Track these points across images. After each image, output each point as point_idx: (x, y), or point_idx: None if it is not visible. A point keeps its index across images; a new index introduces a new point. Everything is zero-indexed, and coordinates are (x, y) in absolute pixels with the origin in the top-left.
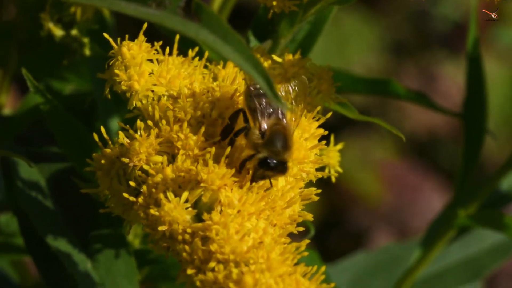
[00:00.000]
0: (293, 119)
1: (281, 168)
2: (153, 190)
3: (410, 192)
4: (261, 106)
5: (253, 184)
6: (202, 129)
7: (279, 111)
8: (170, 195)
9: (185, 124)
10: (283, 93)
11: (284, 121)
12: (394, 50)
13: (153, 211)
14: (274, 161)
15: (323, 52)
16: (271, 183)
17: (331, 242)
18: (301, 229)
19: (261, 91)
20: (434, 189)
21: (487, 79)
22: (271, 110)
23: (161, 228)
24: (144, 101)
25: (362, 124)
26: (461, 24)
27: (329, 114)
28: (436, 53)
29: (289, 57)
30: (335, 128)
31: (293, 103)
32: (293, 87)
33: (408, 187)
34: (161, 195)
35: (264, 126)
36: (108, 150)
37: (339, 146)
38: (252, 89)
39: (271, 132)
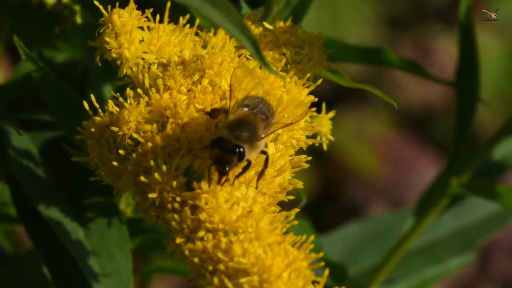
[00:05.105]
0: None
1: (233, 149)
2: (142, 158)
3: (405, 165)
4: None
5: None
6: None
7: (261, 111)
8: (160, 161)
9: (175, 92)
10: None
11: (260, 116)
12: (389, 23)
13: (143, 178)
14: (226, 140)
15: (317, 25)
16: (226, 168)
17: (326, 216)
18: (292, 197)
19: (253, 101)
20: (429, 163)
21: (482, 52)
22: (251, 107)
23: (151, 195)
24: (134, 69)
25: (357, 98)
26: None
27: (320, 81)
28: (432, 27)
29: (280, 24)
30: (329, 102)
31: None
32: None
33: (404, 160)
34: (152, 162)
35: (230, 113)
36: (98, 119)
37: (331, 114)
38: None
39: (236, 117)
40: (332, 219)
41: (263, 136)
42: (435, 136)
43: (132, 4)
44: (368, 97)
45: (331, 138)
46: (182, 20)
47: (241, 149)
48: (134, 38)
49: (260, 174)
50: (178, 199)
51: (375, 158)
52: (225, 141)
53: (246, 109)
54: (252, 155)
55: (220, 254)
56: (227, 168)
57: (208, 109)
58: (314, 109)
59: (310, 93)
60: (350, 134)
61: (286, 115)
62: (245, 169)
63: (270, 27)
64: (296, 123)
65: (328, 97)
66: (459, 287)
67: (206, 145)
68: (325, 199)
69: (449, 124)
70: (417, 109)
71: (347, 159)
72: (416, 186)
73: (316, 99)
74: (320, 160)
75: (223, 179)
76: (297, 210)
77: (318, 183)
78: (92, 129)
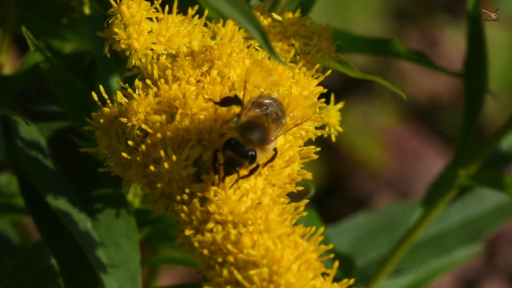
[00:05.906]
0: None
1: (245, 153)
2: (152, 149)
3: (412, 157)
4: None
5: None
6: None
7: (273, 113)
8: (170, 151)
9: (183, 83)
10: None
11: (272, 117)
12: (396, 15)
13: (152, 167)
14: (240, 144)
15: (324, 17)
16: (235, 169)
17: (333, 207)
18: (300, 188)
19: (266, 100)
20: (436, 154)
21: (489, 43)
22: (264, 107)
23: (160, 185)
24: (143, 60)
25: (363, 89)
26: None
27: (329, 72)
28: (438, 18)
29: (289, 15)
30: (336, 93)
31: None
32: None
33: (410, 152)
34: (162, 152)
35: (242, 114)
36: (106, 110)
37: (340, 105)
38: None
39: (247, 119)
40: (338, 211)
41: (273, 138)
42: (441, 128)
43: None
44: (375, 88)
45: (340, 129)
46: (191, 11)
47: (253, 153)
48: (143, 29)
49: (265, 164)
50: (187, 190)
51: (382, 149)
52: (239, 144)
53: (258, 109)
54: (262, 157)
55: (229, 246)
56: (237, 169)
57: (217, 99)
58: (322, 100)
59: (318, 84)
60: (356, 126)
61: (295, 114)
62: (253, 171)
63: (279, 18)
64: (306, 121)
65: (335, 88)
66: (466, 277)
67: (218, 149)
68: (331, 190)
69: (456, 115)
70: (423, 101)
71: (354, 151)
72: (422, 178)
73: (325, 90)
74: (326, 151)
75: (228, 178)
76: (306, 201)
77: (324, 174)
78: (101, 120)
